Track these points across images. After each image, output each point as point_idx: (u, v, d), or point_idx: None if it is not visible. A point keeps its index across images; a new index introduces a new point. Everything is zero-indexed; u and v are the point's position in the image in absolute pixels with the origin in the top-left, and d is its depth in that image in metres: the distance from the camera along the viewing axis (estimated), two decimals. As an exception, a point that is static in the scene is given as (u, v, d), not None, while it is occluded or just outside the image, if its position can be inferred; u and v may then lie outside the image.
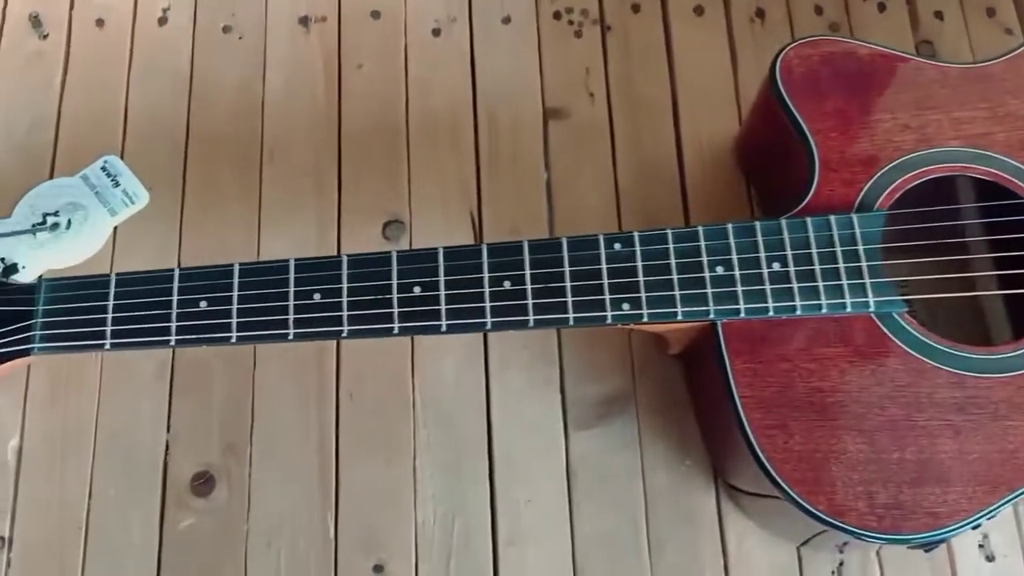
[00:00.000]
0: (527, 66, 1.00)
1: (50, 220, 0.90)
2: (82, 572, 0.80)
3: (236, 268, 0.75)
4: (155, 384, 0.86)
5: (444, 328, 0.73)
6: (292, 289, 0.74)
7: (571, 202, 0.94)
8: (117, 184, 0.92)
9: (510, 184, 0.95)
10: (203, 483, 0.83)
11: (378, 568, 0.81)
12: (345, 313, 0.74)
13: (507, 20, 1.02)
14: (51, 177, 0.92)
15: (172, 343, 0.74)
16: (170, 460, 0.83)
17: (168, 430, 0.84)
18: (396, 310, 0.74)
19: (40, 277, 0.75)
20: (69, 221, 0.90)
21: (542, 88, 0.99)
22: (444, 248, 0.75)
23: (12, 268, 0.87)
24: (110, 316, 0.74)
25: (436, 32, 1.01)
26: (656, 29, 1.02)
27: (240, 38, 0.99)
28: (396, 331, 0.74)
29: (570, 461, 0.85)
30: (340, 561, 0.81)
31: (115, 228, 0.91)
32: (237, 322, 0.74)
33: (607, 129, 0.97)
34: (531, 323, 0.73)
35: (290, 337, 0.74)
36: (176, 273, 0.75)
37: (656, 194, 0.95)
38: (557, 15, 1.02)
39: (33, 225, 0.90)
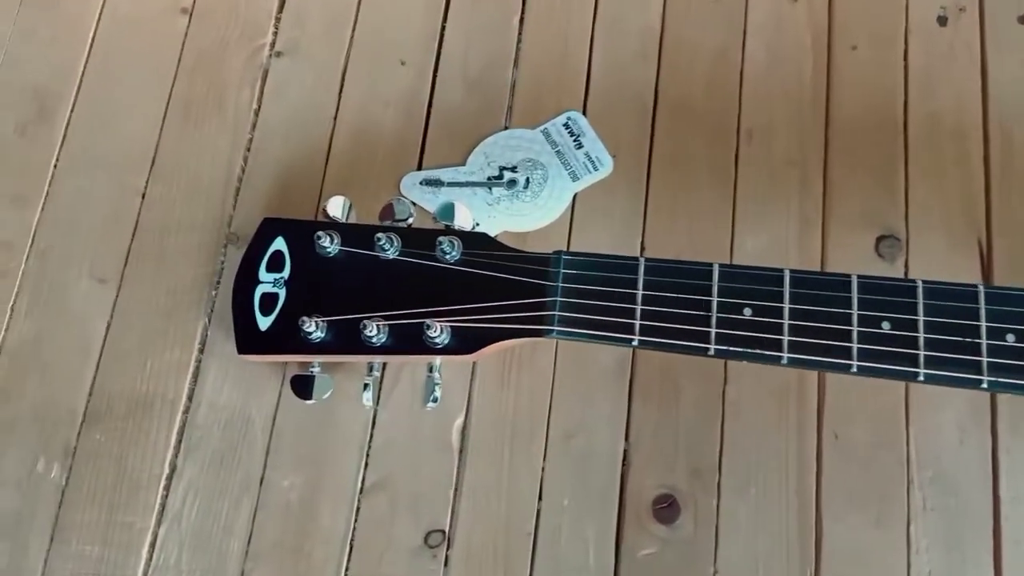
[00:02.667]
0: (1049, 75, 0.84)
1: (507, 175, 0.80)
2: (529, 586, 0.70)
3: (787, 275, 0.63)
4: (614, 383, 0.74)
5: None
6: (856, 312, 0.62)
7: (1099, 246, 0.79)
8: (580, 145, 0.81)
9: (1025, 213, 0.80)
10: (666, 507, 0.71)
11: (865, 648, 0.69)
12: (922, 353, 0.61)
13: (1025, 18, 0.86)
14: (507, 126, 0.82)
15: (711, 352, 0.62)
16: (629, 474, 0.73)
17: (627, 439, 0.74)
18: (984, 359, 0.61)
19: (559, 251, 0.65)
20: (527, 180, 0.79)
21: (1066, 104, 0.83)
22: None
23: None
24: (639, 308, 0.63)
25: (942, 20, 0.86)
26: None
27: (717, -2, 0.87)
28: (985, 385, 0.61)
29: (1095, 561, 0.71)
30: (819, 630, 0.69)
31: (574, 195, 0.80)
32: (789, 340, 0.62)
33: None
34: None
35: (853, 369, 0.62)
36: (716, 270, 0.64)
37: None
38: (1088, 19, 0.86)
39: (489, 178, 0.79)
